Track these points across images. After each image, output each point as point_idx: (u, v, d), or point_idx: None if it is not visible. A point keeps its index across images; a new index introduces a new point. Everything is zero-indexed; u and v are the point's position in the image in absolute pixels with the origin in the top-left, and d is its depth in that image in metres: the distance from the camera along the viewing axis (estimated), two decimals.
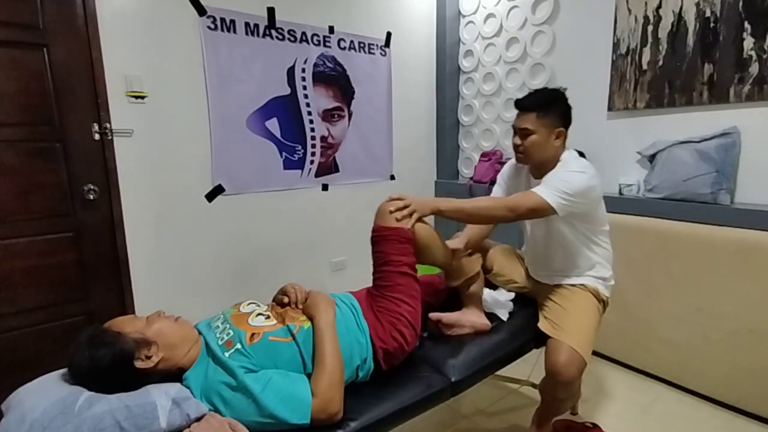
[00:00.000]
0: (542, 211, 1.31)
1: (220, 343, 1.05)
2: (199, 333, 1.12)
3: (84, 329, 1.02)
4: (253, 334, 1.06)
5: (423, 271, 2.80)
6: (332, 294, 1.31)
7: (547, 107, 1.40)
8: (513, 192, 1.60)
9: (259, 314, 1.15)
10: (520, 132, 1.44)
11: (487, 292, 1.59)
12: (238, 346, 1.03)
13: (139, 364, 0.98)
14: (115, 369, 0.95)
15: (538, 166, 1.46)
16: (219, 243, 2.29)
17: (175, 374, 1.03)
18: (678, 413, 1.82)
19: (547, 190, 1.30)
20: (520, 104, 1.44)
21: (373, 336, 1.21)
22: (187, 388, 0.99)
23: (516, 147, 1.46)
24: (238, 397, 0.95)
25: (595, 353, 2.14)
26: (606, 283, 1.52)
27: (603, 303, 1.50)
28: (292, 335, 1.10)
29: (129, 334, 0.99)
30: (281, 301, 1.25)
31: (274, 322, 1.13)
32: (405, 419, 1.14)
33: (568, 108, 1.45)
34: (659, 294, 1.96)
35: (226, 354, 1.01)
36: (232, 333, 1.07)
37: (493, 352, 1.36)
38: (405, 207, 1.30)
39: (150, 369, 0.99)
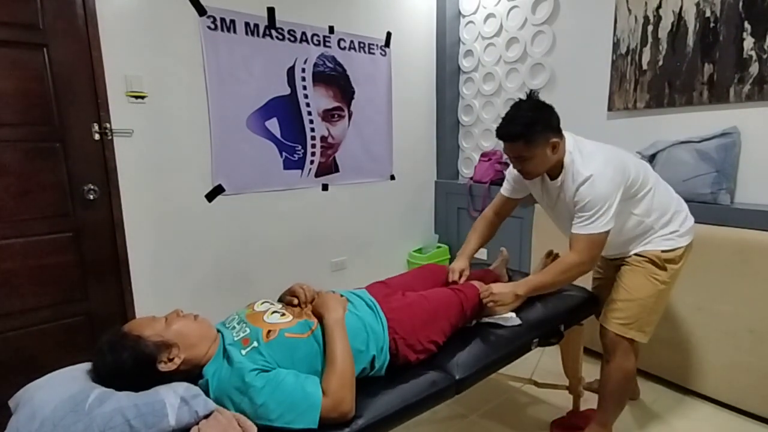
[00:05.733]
0: (603, 240, 1.33)
1: (236, 339, 1.06)
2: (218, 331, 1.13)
3: (104, 333, 1.03)
4: (269, 332, 1.07)
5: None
6: (347, 291, 1.32)
7: (532, 131, 1.31)
8: (520, 188, 1.62)
9: (274, 312, 1.16)
10: (514, 159, 1.40)
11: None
12: (255, 344, 1.03)
13: (161, 367, 0.99)
14: (138, 374, 0.96)
15: (548, 172, 1.44)
16: (219, 243, 2.29)
17: (196, 375, 1.04)
18: (678, 413, 1.83)
19: (590, 224, 1.31)
20: (502, 136, 1.37)
21: (394, 323, 1.23)
22: (207, 381, 1.01)
23: (516, 169, 1.43)
24: (246, 402, 0.96)
25: (594, 353, 2.14)
26: (667, 236, 1.45)
27: (663, 266, 1.44)
28: (311, 330, 1.11)
29: (149, 338, 1.00)
30: (290, 302, 1.24)
31: (290, 318, 1.14)
32: (409, 417, 1.14)
33: (552, 114, 1.37)
34: None
35: (243, 352, 1.02)
36: (248, 330, 1.08)
37: (496, 350, 1.36)
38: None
39: (173, 371, 1.00)
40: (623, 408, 1.59)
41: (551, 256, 1.72)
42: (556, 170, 1.41)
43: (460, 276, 1.54)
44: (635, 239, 1.48)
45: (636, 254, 1.49)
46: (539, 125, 1.32)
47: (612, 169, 1.33)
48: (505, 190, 1.67)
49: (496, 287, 1.41)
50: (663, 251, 1.45)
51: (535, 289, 1.44)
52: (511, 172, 1.63)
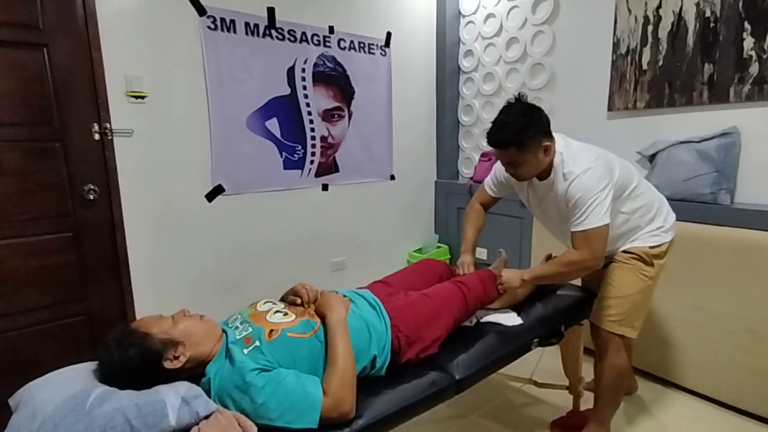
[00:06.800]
0: (603, 235, 1.32)
1: (238, 338, 1.07)
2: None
3: (111, 330, 1.03)
4: (271, 331, 1.07)
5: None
6: (349, 291, 1.32)
7: (524, 137, 1.30)
8: (506, 187, 1.63)
9: (277, 311, 1.16)
10: (506, 164, 1.40)
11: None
12: (257, 343, 1.04)
13: (167, 365, 0.99)
14: (144, 370, 0.96)
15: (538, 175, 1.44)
16: (219, 243, 2.29)
17: (200, 373, 1.05)
18: (678, 413, 1.83)
19: (585, 220, 1.31)
20: (494, 143, 1.35)
21: (397, 321, 1.23)
22: (209, 379, 1.01)
23: (509, 173, 1.44)
24: (246, 401, 0.96)
25: (594, 353, 2.14)
26: (653, 233, 1.48)
27: (650, 262, 1.47)
28: (314, 330, 1.11)
29: (156, 335, 1.00)
30: (294, 302, 1.25)
31: (293, 318, 1.14)
32: (409, 417, 1.15)
33: (542, 117, 1.36)
34: (659, 294, 1.95)
35: (245, 351, 1.02)
36: (251, 330, 1.08)
37: (496, 350, 1.36)
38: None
39: (178, 369, 1.00)
40: (619, 405, 1.60)
41: (550, 260, 1.73)
42: (545, 171, 1.41)
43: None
44: (622, 236, 1.50)
45: (624, 251, 1.50)
46: (531, 130, 1.31)
47: (602, 166, 1.35)
48: (489, 188, 1.70)
49: (504, 272, 1.47)
50: (651, 247, 1.47)
51: (538, 278, 1.47)
52: (498, 170, 1.64)
